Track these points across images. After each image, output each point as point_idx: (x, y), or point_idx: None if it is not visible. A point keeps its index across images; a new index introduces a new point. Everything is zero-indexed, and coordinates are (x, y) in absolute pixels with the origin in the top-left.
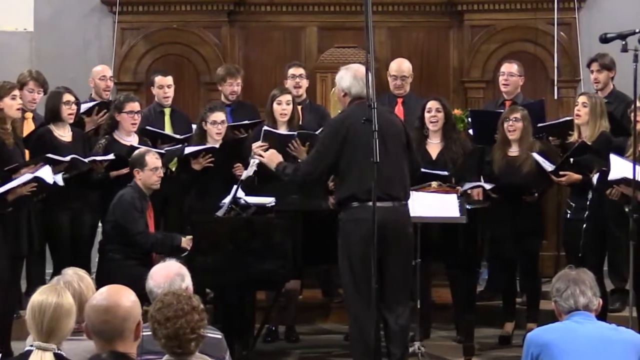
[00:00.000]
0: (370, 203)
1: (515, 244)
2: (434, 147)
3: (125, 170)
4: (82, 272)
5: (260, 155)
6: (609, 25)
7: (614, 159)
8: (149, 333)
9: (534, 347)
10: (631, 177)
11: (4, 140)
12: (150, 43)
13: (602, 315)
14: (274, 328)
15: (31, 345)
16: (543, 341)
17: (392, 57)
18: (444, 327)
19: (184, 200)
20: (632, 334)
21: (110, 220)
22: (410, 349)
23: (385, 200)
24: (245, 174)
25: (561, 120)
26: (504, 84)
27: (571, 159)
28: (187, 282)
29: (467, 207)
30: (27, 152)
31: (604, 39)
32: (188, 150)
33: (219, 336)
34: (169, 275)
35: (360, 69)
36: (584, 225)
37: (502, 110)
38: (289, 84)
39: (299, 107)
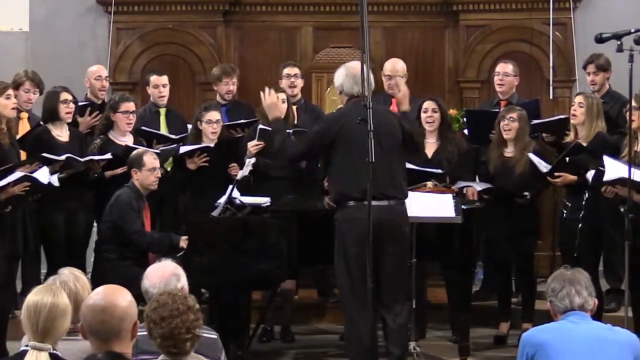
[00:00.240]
0: (356, 203)
1: (510, 244)
2: (429, 146)
3: (120, 170)
4: (78, 272)
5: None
6: (605, 25)
7: (607, 160)
8: (145, 333)
9: (529, 347)
10: (626, 177)
11: None
12: (145, 43)
13: (597, 315)
14: (269, 328)
15: (26, 345)
16: (538, 341)
17: (388, 57)
18: (439, 327)
19: (180, 200)
20: (628, 334)
21: (107, 220)
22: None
23: (380, 199)
24: (241, 173)
25: (556, 118)
26: (499, 84)
27: (567, 159)
28: (183, 282)
29: (463, 207)
30: (22, 152)
31: (600, 39)
32: (183, 149)
33: (215, 336)
34: (164, 275)
35: (355, 66)
36: (580, 225)
37: (497, 110)
38: (284, 83)
39: (294, 107)
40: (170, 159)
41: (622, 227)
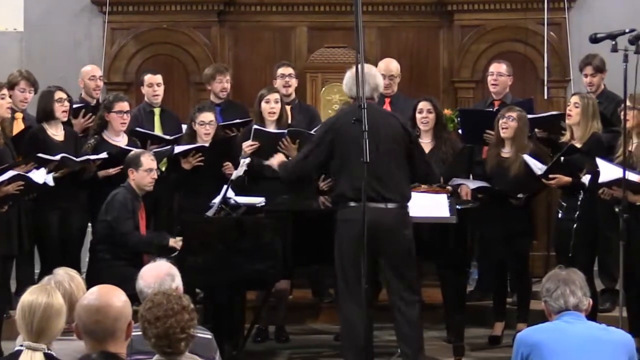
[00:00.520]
0: (354, 204)
1: (505, 245)
2: (424, 146)
3: (113, 171)
4: (73, 272)
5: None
6: (599, 25)
7: (601, 163)
8: (139, 333)
9: (524, 347)
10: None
11: None
12: (140, 43)
13: (592, 315)
14: (263, 328)
15: (21, 345)
16: (533, 341)
17: (382, 57)
18: (434, 327)
19: (174, 200)
20: (622, 334)
21: (102, 220)
22: (400, 349)
23: (378, 201)
24: (236, 173)
25: (551, 113)
26: (493, 84)
27: (562, 159)
28: (177, 282)
29: (457, 207)
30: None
31: (594, 39)
32: (178, 149)
33: (209, 336)
34: (159, 275)
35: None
36: (575, 226)
37: (491, 110)
38: (278, 83)
39: (288, 107)
40: (165, 159)
41: (617, 228)
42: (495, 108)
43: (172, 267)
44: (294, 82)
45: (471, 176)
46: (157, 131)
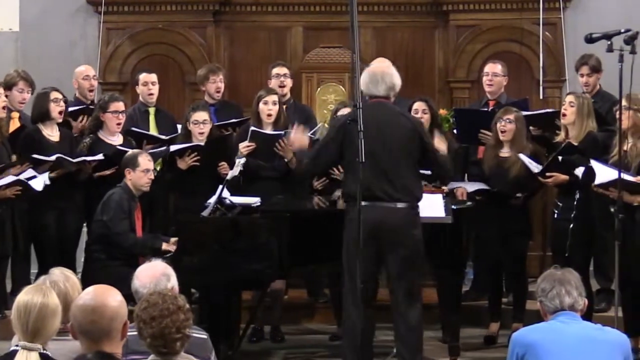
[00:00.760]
0: (364, 202)
1: (502, 245)
2: None
3: (108, 172)
4: (68, 272)
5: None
6: (595, 25)
7: (595, 165)
8: (135, 333)
9: (519, 347)
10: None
11: None
12: (135, 43)
13: (587, 316)
14: (259, 328)
15: (16, 345)
16: (528, 341)
17: (378, 57)
18: (429, 327)
19: (169, 200)
20: (618, 334)
21: (98, 220)
22: (395, 350)
23: (385, 200)
24: (231, 173)
25: (546, 110)
26: (488, 84)
27: (560, 158)
28: (173, 282)
29: (453, 207)
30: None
31: (590, 39)
32: (173, 148)
33: (205, 336)
34: (154, 275)
35: (377, 68)
36: (571, 226)
37: (486, 110)
38: (273, 83)
39: (283, 107)
40: (160, 159)
41: (613, 228)
42: (491, 108)
43: (168, 267)
44: (289, 82)
45: (467, 176)
46: (152, 131)
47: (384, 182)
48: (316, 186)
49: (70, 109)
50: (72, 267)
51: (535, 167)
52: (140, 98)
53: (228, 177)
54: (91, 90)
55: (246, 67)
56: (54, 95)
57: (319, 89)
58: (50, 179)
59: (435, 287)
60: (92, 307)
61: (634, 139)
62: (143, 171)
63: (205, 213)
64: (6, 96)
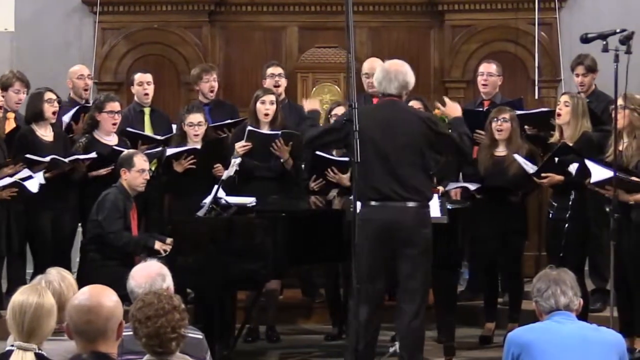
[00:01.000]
0: (374, 202)
1: (499, 243)
2: None
3: (103, 171)
4: (65, 272)
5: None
6: (590, 25)
7: (590, 165)
8: (130, 333)
9: (515, 347)
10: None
11: None
12: (131, 43)
13: (583, 316)
14: (254, 328)
15: (12, 345)
16: (523, 341)
17: (373, 57)
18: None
19: (164, 201)
20: (613, 334)
21: (93, 219)
22: (391, 349)
23: (396, 200)
24: (226, 173)
25: (541, 110)
26: (483, 84)
27: (556, 159)
28: (168, 282)
29: (448, 207)
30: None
31: (585, 39)
32: (170, 151)
33: (200, 336)
34: (150, 275)
35: (391, 66)
36: (566, 226)
37: (481, 109)
38: (268, 83)
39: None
40: (155, 159)
41: (608, 228)
42: (486, 108)
43: (163, 267)
44: (283, 82)
45: (461, 175)
46: (148, 131)
47: (394, 181)
48: (312, 187)
49: (69, 114)
50: (68, 267)
51: (531, 168)
52: (136, 98)
53: (223, 177)
54: (86, 90)
55: (241, 67)
56: (48, 95)
57: (314, 89)
58: (46, 179)
59: (431, 287)
60: (87, 307)
61: (629, 139)
62: (138, 171)
63: (200, 213)
64: (2, 97)
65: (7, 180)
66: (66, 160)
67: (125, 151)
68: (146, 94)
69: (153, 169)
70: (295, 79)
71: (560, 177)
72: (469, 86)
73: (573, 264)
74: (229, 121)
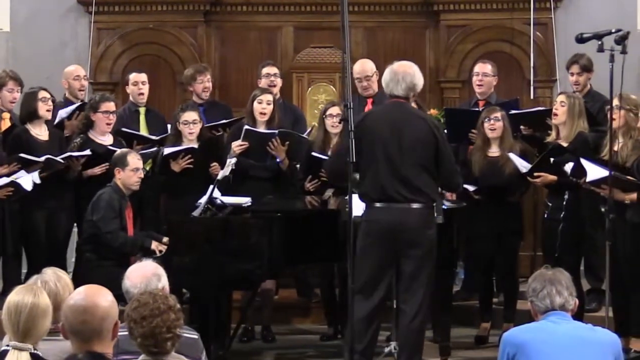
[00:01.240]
0: (378, 204)
1: (494, 244)
2: None
3: (98, 170)
4: (61, 273)
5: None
6: (585, 25)
7: (586, 164)
8: (125, 333)
9: (510, 347)
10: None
11: None
12: (126, 43)
13: (578, 316)
14: (250, 328)
15: (7, 345)
16: (519, 341)
17: (368, 57)
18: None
19: (160, 200)
20: (608, 334)
21: (88, 219)
22: (386, 349)
23: (400, 201)
24: (222, 173)
25: (537, 109)
26: (478, 84)
27: (551, 159)
28: (164, 282)
29: (444, 207)
30: None
31: (580, 39)
32: (167, 150)
33: (195, 336)
34: (145, 275)
35: (399, 68)
36: (561, 226)
37: (477, 109)
38: (263, 83)
39: None
40: (150, 159)
41: (603, 228)
42: (481, 108)
43: (159, 267)
44: (278, 82)
45: None
46: (143, 131)
47: (399, 183)
48: (308, 188)
49: (65, 110)
50: (63, 267)
51: (524, 167)
52: (131, 98)
53: (219, 177)
54: (81, 90)
55: (237, 67)
56: (42, 94)
57: (309, 89)
58: (40, 178)
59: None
60: (83, 307)
61: (624, 139)
62: (132, 170)
63: (196, 213)
64: None
65: (4, 180)
66: (61, 159)
67: (119, 150)
68: (141, 94)
69: (148, 168)
70: (291, 79)
71: (553, 177)
72: (464, 86)
73: (568, 264)
74: (224, 121)
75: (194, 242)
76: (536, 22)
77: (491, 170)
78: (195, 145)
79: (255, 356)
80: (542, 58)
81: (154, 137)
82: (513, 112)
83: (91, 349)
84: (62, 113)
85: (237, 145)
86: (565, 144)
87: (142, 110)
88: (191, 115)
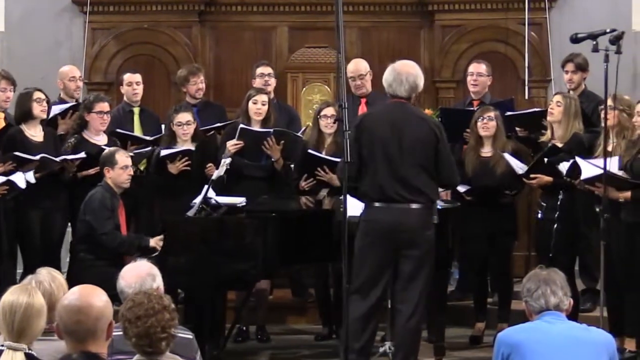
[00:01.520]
0: (377, 204)
1: (488, 244)
2: None
3: (93, 171)
4: (55, 273)
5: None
6: (580, 25)
7: (581, 163)
8: (120, 333)
9: (505, 347)
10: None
11: None
12: (121, 43)
13: (573, 316)
14: (244, 328)
15: (2, 345)
16: (514, 341)
17: (363, 57)
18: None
19: (155, 201)
20: (603, 334)
21: (82, 220)
22: (381, 349)
23: (399, 202)
24: (217, 173)
25: (532, 110)
26: (472, 84)
27: (545, 160)
28: (158, 282)
29: (438, 207)
30: None
31: (575, 39)
32: (165, 152)
33: (190, 336)
34: (140, 275)
35: (402, 68)
36: (555, 226)
37: (472, 109)
38: (258, 82)
39: None
40: (144, 159)
41: (598, 228)
42: (475, 108)
43: (153, 267)
44: (273, 82)
45: None
46: (137, 131)
47: (398, 183)
48: (303, 187)
49: (58, 107)
50: (58, 267)
51: (520, 168)
52: (125, 98)
53: (214, 177)
54: (77, 91)
55: (231, 67)
56: (37, 95)
57: (304, 88)
58: (35, 178)
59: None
60: (77, 307)
61: (618, 139)
62: (122, 168)
63: (190, 213)
64: None
65: (1, 179)
66: (56, 160)
67: (106, 150)
68: (135, 94)
69: (142, 168)
70: (285, 79)
71: (549, 178)
72: (458, 86)
73: (563, 264)
74: (218, 124)
75: (188, 242)
76: (531, 22)
77: (483, 170)
78: (190, 146)
79: (250, 356)
80: (536, 58)
81: (147, 138)
82: (509, 113)
83: (86, 349)
84: (56, 109)
85: (232, 145)
86: (560, 144)
87: (136, 110)
88: (185, 117)
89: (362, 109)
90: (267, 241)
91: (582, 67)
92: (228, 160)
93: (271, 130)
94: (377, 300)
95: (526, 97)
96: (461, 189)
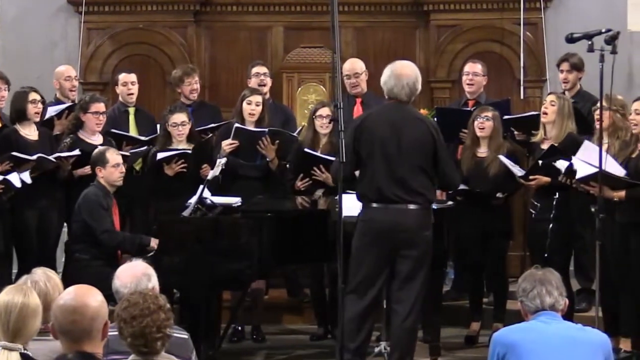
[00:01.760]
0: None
1: (483, 244)
2: None
3: (88, 170)
4: (51, 273)
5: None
6: (575, 25)
7: (577, 162)
8: (115, 333)
9: (500, 347)
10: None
11: None
12: (116, 43)
13: (568, 316)
14: (240, 328)
15: None
16: (509, 341)
17: (358, 57)
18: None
19: (150, 201)
20: (598, 334)
21: (77, 219)
22: (376, 349)
23: (395, 202)
24: (212, 173)
25: (528, 114)
26: (468, 84)
27: (540, 162)
28: (154, 282)
29: (434, 207)
30: None
31: (570, 39)
32: (161, 155)
33: (185, 336)
34: (135, 275)
35: (402, 70)
36: (550, 226)
37: (468, 109)
38: (253, 82)
39: None
40: (140, 159)
41: (593, 228)
42: (470, 108)
43: (149, 267)
44: (268, 82)
45: None
46: (132, 131)
47: (396, 184)
48: (299, 187)
49: (54, 108)
50: (53, 267)
51: (518, 171)
52: (120, 98)
53: (209, 177)
54: (73, 91)
55: (227, 67)
56: (32, 96)
57: (299, 89)
58: (31, 178)
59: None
60: (73, 307)
61: (612, 140)
62: (113, 166)
63: (185, 213)
64: None
65: None
66: (52, 159)
67: (97, 149)
68: (130, 94)
69: (138, 168)
70: (281, 79)
71: (547, 179)
72: (454, 86)
73: (558, 264)
74: (212, 125)
75: (184, 242)
76: (526, 22)
77: (477, 170)
78: (186, 146)
79: (246, 356)
80: (532, 58)
81: (143, 138)
82: (506, 117)
83: (81, 349)
84: (52, 111)
85: (227, 144)
86: (555, 144)
87: (131, 110)
88: (180, 117)
89: (357, 108)
90: (263, 241)
91: (577, 67)
92: (223, 160)
93: (266, 130)
94: (373, 300)
95: (521, 97)
96: None
